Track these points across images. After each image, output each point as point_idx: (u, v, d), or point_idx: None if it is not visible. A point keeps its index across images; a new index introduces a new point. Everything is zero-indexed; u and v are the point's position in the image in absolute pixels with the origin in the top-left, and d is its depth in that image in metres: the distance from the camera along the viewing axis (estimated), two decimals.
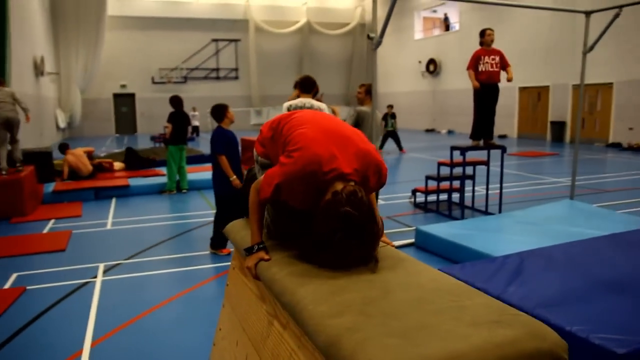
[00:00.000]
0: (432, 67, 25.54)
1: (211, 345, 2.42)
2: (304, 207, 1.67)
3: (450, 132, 24.61)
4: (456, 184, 7.57)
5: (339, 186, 1.60)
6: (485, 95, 6.57)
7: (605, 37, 6.64)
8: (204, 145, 17.47)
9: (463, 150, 6.81)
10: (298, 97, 5.26)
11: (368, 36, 5.33)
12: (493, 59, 6.46)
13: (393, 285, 1.40)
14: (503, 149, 6.97)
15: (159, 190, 9.03)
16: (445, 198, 7.79)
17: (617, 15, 6.30)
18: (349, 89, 31.53)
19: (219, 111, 5.33)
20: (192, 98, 24.81)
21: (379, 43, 5.35)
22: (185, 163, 8.93)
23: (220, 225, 5.29)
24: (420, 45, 26.88)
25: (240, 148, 5.81)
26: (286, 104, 5.17)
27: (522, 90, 20.63)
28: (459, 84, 22.47)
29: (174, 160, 8.65)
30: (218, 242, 5.44)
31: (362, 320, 1.18)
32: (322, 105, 5.23)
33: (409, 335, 1.10)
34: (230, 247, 5.52)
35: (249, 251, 1.81)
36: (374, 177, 1.75)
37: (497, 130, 21.11)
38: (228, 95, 26.01)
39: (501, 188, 7.09)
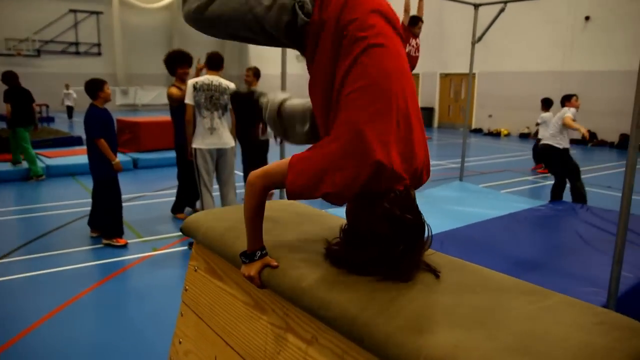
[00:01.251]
0: None
1: None
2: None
3: None
4: None
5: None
6: None
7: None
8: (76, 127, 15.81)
9: None
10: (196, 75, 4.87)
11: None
12: (418, 42, 6.39)
13: (452, 289, 1.22)
14: None
15: (25, 177, 7.92)
16: None
17: (502, 10, 6.69)
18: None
19: (93, 87, 4.68)
20: (47, 74, 22.35)
21: None
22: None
23: (105, 210, 4.88)
24: None
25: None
26: (191, 81, 4.73)
27: (443, 77, 21.32)
28: None
29: (26, 142, 7.72)
30: (112, 229, 4.88)
31: (462, 335, 0.98)
32: (231, 85, 4.87)
33: (531, 350, 0.92)
34: (128, 238, 4.99)
35: (250, 258, 1.48)
36: (426, 175, 1.54)
37: None
38: (90, 73, 23.43)
39: None
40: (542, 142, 6.67)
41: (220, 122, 4.73)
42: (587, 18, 14.55)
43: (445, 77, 19.46)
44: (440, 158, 10.99)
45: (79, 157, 8.60)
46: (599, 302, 3.06)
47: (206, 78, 4.75)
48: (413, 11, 6.28)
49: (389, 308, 1.11)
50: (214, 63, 4.85)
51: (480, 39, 6.98)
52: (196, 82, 4.68)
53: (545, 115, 8.47)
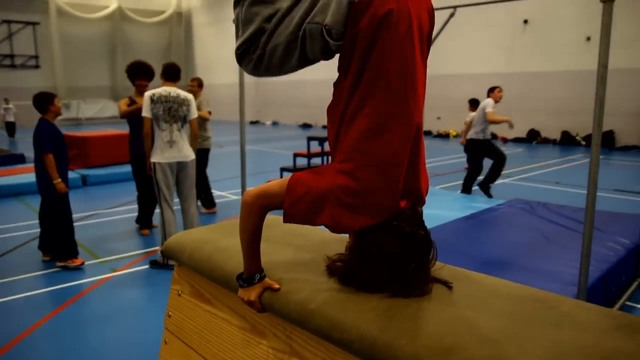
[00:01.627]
0: None
1: None
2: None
3: (274, 123, 24.99)
4: None
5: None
6: None
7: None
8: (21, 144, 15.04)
9: (322, 140, 6.81)
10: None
11: None
12: None
13: (467, 301, 1.18)
14: None
15: None
16: None
17: (452, 15, 6.83)
18: None
19: (43, 101, 4.46)
20: None
21: None
22: None
23: (55, 231, 4.65)
24: None
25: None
26: (148, 93, 4.57)
27: None
28: (284, 76, 22.55)
29: None
30: (65, 250, 4.63)
31: (494, 350, 0.94)
32: (189, 96, 4.74)
33: (503, 331, 0.91)
34: (84, 260, 4.74)
35: (249, 282, 1.41)
36: (427, 191, 1.51)
37: (322, 121, 22.02)
38: (28, 86, 22.68)
39: None
40: (467, 137, 7.15)
41: (180, 135, 4.58)
42: (525, 21, 15.13)
43: None
44: None
45: (23, 175, 8.17)
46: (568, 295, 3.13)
47: (163, 89, 4.59)
48: None
49: (410, 327, 1.06)
50: (171, 74, 4.70)
51: (433, 41, 7.09)
52: (153, 94, 4.52)
53: (473, 114, 8.71)
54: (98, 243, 5.38)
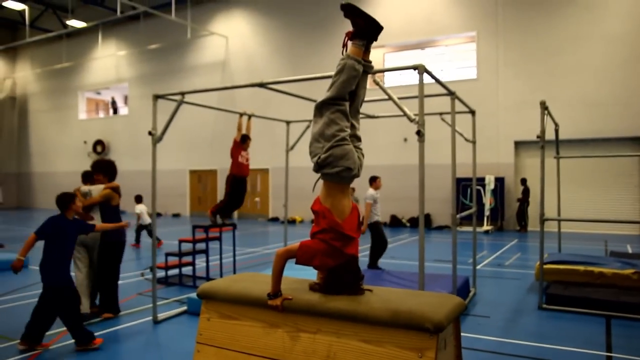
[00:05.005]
0: (100, 148, 25.58)
1: None
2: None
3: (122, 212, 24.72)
4: (189, 258, 8.55)
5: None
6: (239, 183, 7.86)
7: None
8: None
9: (207, 228, 8.00)
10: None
11: (150, 132, 6.02)
12: (247, 154, 7.91)
13: (380, 293, 2.69)
14: (234, 226, 8.47)
15: None
16: (185, 272, 8.63)
17: (308, 126, 8.71)
18: None
19: (66, 200, 5.01)
20: None
21: (159, 139, 6.10)
22: None
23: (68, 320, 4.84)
24: (86, 125, 26.65)
25: None
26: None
27: (192, 173, 22.84)
28: (128, 165, 22.56)
29: None
30: (84, 336, 4.87)
31: (394, 305, 2.46)
32: (93, 187, 6.00)
33: (402, 303, 2.46)
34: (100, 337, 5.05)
35: (275, 296, 2.76)
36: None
37: (170, 209, 22.62)
38: None
39: (234, 256, 8.56)
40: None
41: None
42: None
43: None
44: (252, 246, 12.52)
45: None
46: None
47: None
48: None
49: (361, 302, 2.55)
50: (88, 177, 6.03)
51: (292, 147, 8.88)
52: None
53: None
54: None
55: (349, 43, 2.93)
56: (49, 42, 26.58)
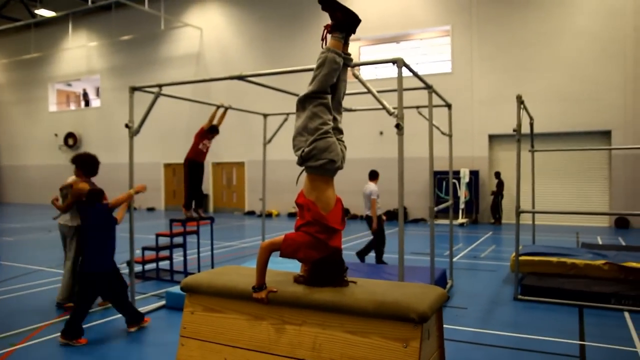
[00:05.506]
0: (72, 141, 25.05)
1: None
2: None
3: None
4: (166, 252, 8.48)
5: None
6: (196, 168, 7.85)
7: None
8: None
9: (184, 221, 7.92)
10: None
11: (127, 125, 5.92)
12: (209, 143, 7.90)
13: (363, 285, 2.71)
14: (212, 220, 8.41)
15: None
16: (163, 266, 8.54)
17: (285, 119, 8.68)
18: None
19: (96, 195, 5.27)
20: None
21: (136, 132, 6.00)
22: None
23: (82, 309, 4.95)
24: (57, 118, 26.06)
25: None
26: None
27: (167, 166, 22.57)
28: (102, 158, 22.20)
29: None
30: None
31: (379, 297, 2.47)
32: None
33: (387, 295, 2.49)
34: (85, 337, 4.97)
35: (260, 288, 2.75)
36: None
37: (145, 203, 22.34)
38: None
39: (212, 250, 8.49)
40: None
41: None
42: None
43: (215, 165, 21.29)
44: (229, 239, 12.46)
45: None
46: None
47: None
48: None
49: (345, 294, 2.56)
50: None
51: (270, 140, 8.84)
52: None
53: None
54: None
55: (329, 36, 2.94)
56: (16, 32, 25.84)
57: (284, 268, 3.40)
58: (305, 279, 2.81)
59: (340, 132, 3.02)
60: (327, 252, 2.76)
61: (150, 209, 22.33)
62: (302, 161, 2.88)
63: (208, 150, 8.00)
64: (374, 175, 8.59)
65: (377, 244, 8.39)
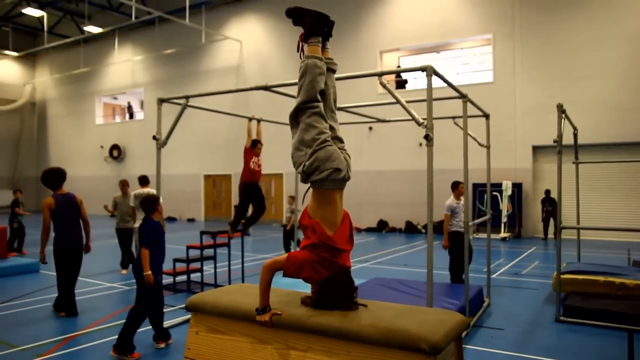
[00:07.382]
0: (116, 153, 25.71)
1: None
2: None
3: None
4: (197, 264, 8.42)
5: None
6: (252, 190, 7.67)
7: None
8: None
9: (214, 234, 7.86)
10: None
11: (154, 137, 5.93)
12: (259, 160, 7.75)
13: (373, 310, 2.50)
14: (243, 232, 8.32)
15: None
16: (194, 278, 8.49)
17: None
18: (16, 171, 28.75)
19: (151, 202, 5.12)
20: None
21: (164, 143, 6.00)
22: None
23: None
24: (103, 130, 26.84)
25: None
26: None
27: (207, 177, 22.81)
28: (144, 169, 22.63)
29: None
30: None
31: (388, 324, 2.25)
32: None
33: (396, 322, 2.26)
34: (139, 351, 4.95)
35: (264, 310, 2.58)
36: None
37: (185, 214, 22.63)
38: None
39: (243, 263, 8.39)
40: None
41: None
42: (370, 128, 17.88)
43: None
44: (263, 252, 12.36)
45: None
46: None
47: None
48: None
49: (353, 319, 2.34)
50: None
51: None
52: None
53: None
54: (11, 331, 5.68)
55: (305, 45, 2.86)
56: (67, 48, 26.86)
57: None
58: (313, 301, 2.62)
59: (341, 141, 2.85)
60: (333, 272, 2.57)
61: (191, 220, 22.58)
62: (305, 177, 2.71)
63: (261, 167, 7.84)
64: (453, 187, 7.70)
65: (451, 262, 7.61)
